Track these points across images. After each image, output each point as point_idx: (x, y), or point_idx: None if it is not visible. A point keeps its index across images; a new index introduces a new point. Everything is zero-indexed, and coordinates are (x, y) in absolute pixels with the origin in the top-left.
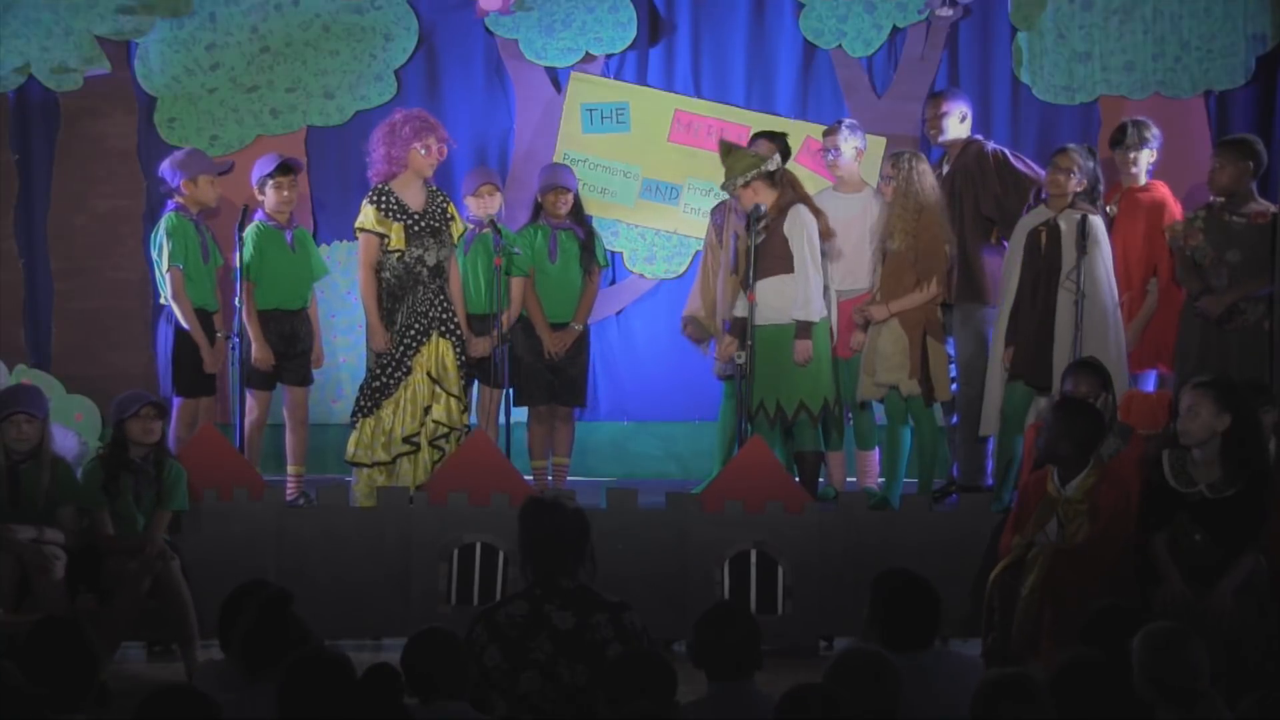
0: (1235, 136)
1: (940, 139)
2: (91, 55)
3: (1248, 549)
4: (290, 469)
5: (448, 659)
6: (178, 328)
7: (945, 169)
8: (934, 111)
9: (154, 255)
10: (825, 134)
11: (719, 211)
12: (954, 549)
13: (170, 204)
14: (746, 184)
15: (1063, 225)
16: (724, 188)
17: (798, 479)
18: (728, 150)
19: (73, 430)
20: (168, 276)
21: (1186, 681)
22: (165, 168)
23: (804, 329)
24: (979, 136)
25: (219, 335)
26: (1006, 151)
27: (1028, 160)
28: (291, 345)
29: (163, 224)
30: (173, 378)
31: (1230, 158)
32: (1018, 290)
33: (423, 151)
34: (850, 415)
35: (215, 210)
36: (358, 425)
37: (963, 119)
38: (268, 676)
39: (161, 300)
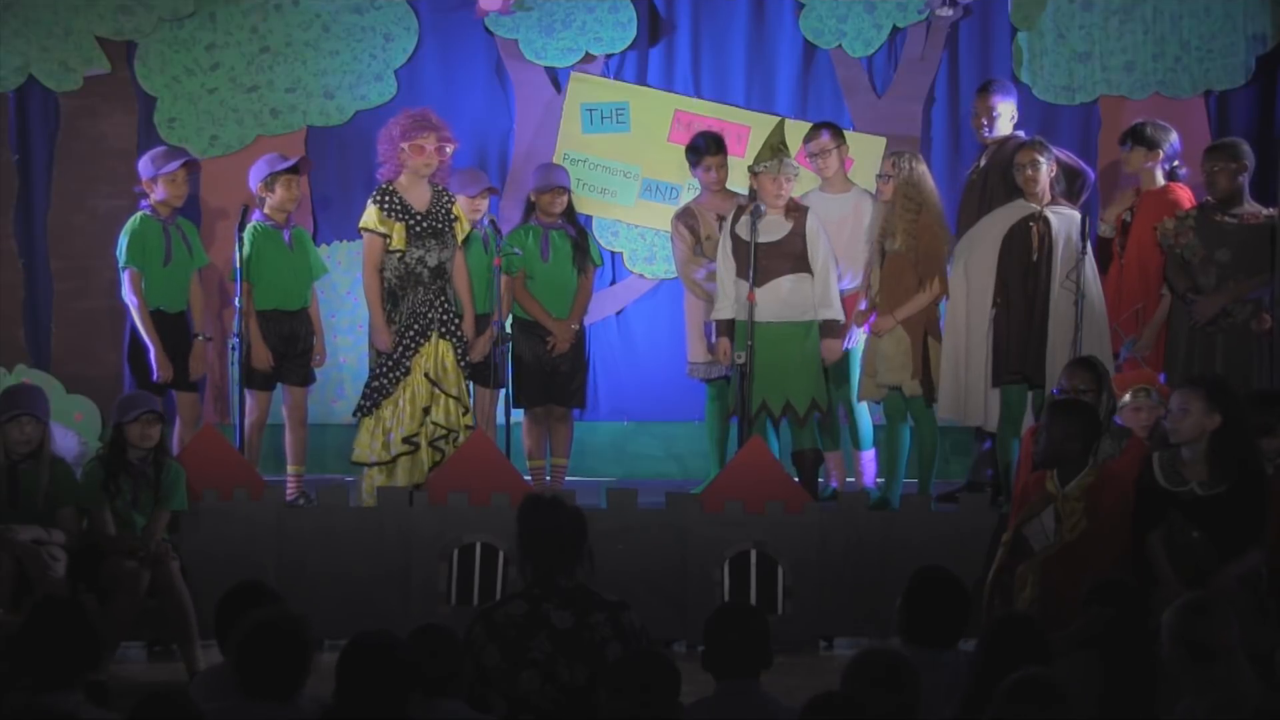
0: (1225, 140)
1: (988, 135)
2: (91, 55)
3: (1252, 545)
4: (290, 469)
5: (446, 656)
6: (133, 327)
7: (981, 163)
8: (981, 107)
9: (116, 255)
10: (807, 139)
11: (687, 215)
12: (954, 549)
13: (143, 204)
14: (793, 176)
15: (1053, 220)
16: (764, 164)
17: (798, 479)
18: (781, 134)
19: (73, 430)
20: (124, 276)
21: (1209, 639)
22: (139, 167)
23: (832, 328)
24: (1020, 133)
25: (197, 336)
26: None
27: (1070, 154)
28: (291, 345)
29: (126, 224)
30: (131, 376)
31: (1226, 160)
32: (1002, 287)
33: (418, 151)
34: (846, 416)
35: (178, 211)
36: (360, 425)
37: (1012, 118)
38: (267, 696)
39: (123, 299)
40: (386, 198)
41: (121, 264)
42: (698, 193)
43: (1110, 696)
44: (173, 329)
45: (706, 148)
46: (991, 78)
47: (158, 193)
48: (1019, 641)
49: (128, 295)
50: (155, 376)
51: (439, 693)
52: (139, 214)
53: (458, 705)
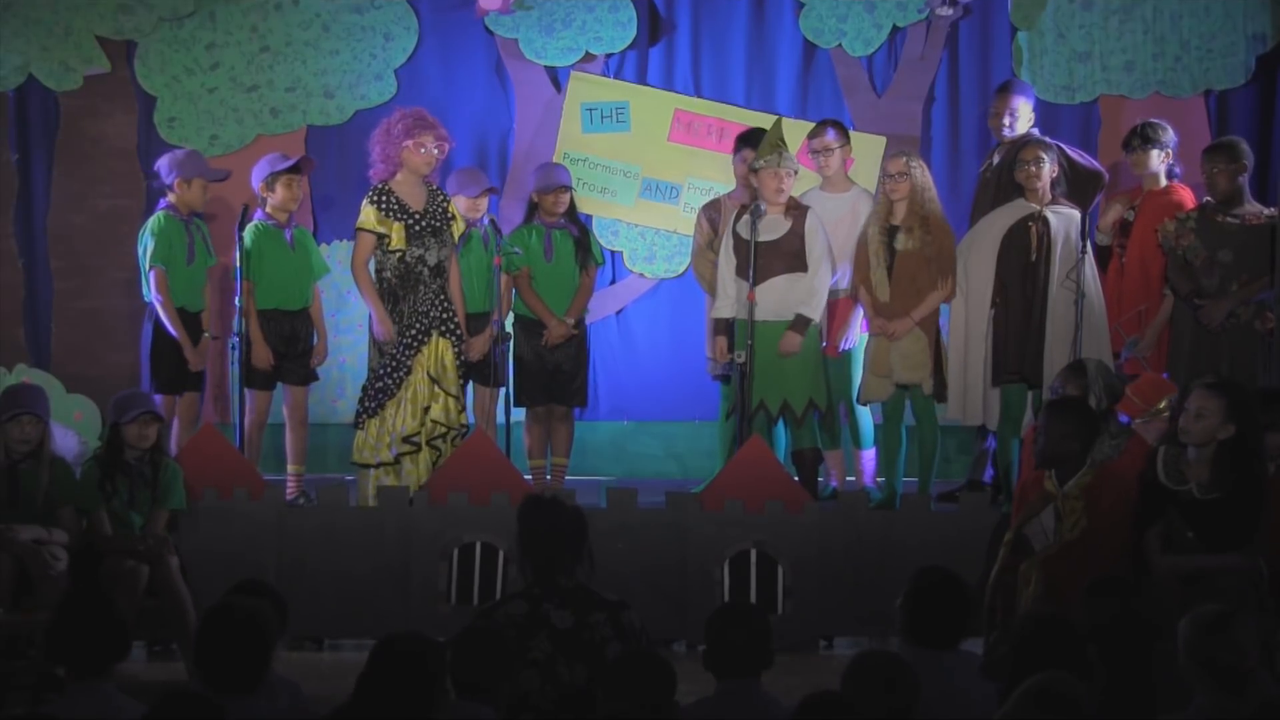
0: (1222, 140)
1: (1008, 135)
2: (91, 55)
3: (1243, 552)
4: (290, 468)
5: (489, 662)
6: (157, 325)
7: (995, 160)
8: (1004, 106)
9: (139, 253)
10: (812, 135)
11: (711, 208)
12: (954, 549)
13: (162, 202)
14: (793, 173)
15: (1052, 220)
16: (764, 160)
17: (797, 478)
18: (779, 131)
19: (73, 430)
20: (150, 275)
21: (1235, 662)
22: (162, 163)
23: (803, 324)
24: (1034, 131)
25: (205, 335)
26: (1063, 146)
27: (1084, 154)
28: (292, 345)
29: (149, 223)
30: (151, 374)
31: (1225, 160)
32: (1001, 287)
33: (419, 150)
34: (846, 415)
35: (211, 215)
36: (363, 426)
37: (1029, 118)
38: (224, 687)
39: (146, 298)
40: (384, 198)
41: (148, 263)
42: (699, 192)
43: (1111, 692)
44: (191, 328)
45: (751, 140)
46: (1011, 77)
47: (180, 194)
48: (1054, 645)
49: (153, 294)
50: (192, 367)
51: (476, 696)
52: (160, 213)
53: (488, 712)
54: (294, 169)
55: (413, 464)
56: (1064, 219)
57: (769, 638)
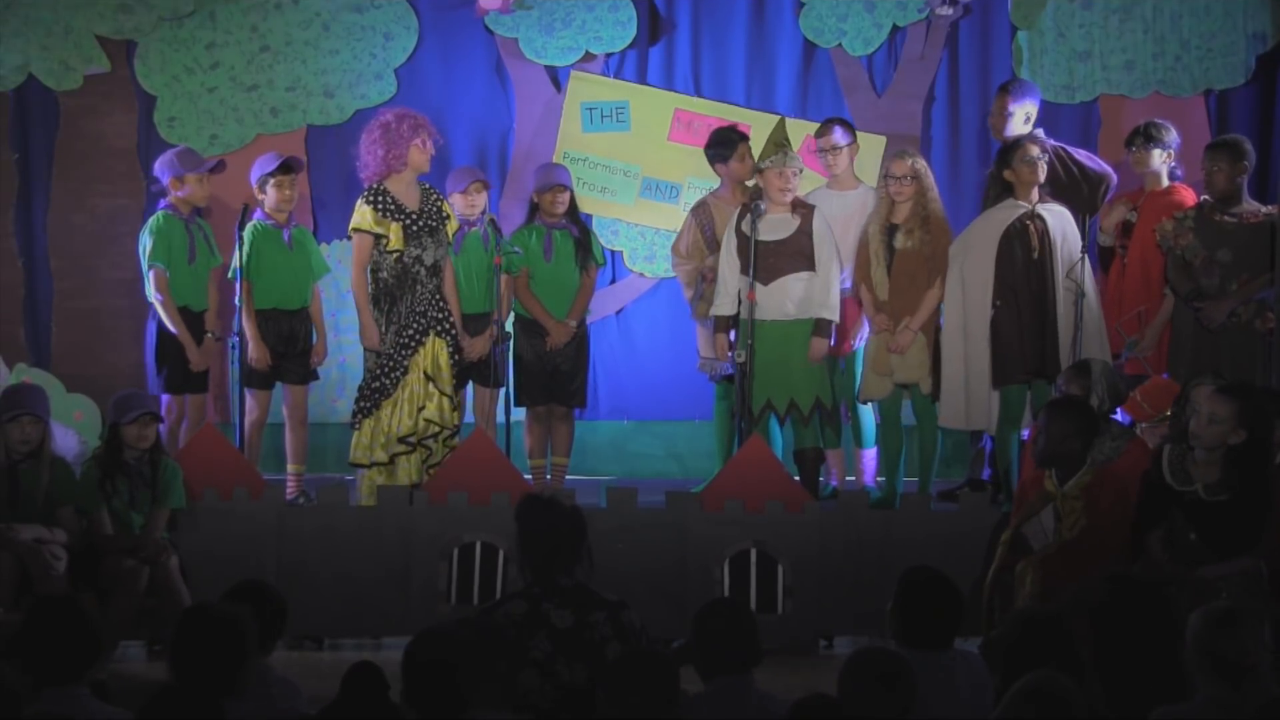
0: (1226, 138)
1: (1005, 134)
2: (91, 54)
3: (1247, 555)
4: (290, 468)
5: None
6: (160, 325)
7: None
8: (998, 107)
9: (139, 253)
10: (819, 134)
11: (701, 211)
12: (954, 548)
13: (163, 203)
14: (798, 172)
15: (1048, 218)
16: (769, 160)
17: (798, 477)
18: (783, 131)
19: (73, 430)
20: (150, 274)
21: (1238, 658)
22: (156, 165)
23: (825, 327)
24: (1039, 132)
25: (208, 334)
26: (1066, 147)
27: (1091, 155)
28: (290, 345)
29: (149, 222)
30: (156, 374)
31: (1226, 159)
32: (1003, 288)
33: (424, 147)
34: (848, 413)
35: (208, 210)
36: (359, 427)
37: (1026, 119)
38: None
39: (147, 298)
40: (380, 198)
41: (147, 262)
42: (699, 191)
43: (1107, 683)
44: (194, 328)
45: (740, 136)
46: (1012, 78)
47: (183, 192)
48: (1045, 643)
49: (154, 293)
50: (194, 367)
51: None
52: (160, 213)
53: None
54: (282, 169)
55: (407, 463)
56: (1058, 217)
57: (755, 633)
